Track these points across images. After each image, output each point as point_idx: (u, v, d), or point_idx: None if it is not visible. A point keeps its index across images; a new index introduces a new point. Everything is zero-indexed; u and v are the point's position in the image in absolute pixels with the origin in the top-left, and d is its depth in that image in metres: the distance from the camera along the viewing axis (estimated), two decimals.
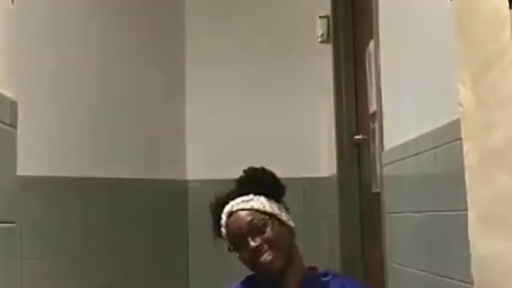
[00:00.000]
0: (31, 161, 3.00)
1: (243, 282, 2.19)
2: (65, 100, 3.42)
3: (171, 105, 4.32)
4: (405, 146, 2.27)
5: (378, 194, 2.86)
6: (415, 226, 2.18)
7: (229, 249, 2.15)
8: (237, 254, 2.13)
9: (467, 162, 1.32)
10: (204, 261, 4.24)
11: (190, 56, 4.41)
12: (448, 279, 1.79)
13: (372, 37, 2.94)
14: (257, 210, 2.11)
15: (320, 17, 4.16)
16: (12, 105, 1.69)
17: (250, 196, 2.15)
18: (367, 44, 3.31)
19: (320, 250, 4.18)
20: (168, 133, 4.26)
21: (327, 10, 4.14)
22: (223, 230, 2.17)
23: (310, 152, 4.28)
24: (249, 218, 2.09)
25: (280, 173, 4.39)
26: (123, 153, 3.81)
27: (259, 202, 2.13)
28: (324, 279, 2.14)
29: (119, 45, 3.88)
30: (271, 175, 2.21)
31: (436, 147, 1.89)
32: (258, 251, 2.05)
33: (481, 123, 1.25)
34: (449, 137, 1.67)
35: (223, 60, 4.40)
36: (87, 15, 3.64)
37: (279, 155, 4.29)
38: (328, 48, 4.13)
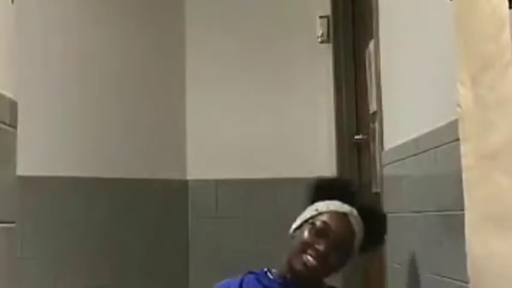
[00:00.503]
0: (31, 161, 3.00)
1: (242, 280, 2.12)
2: (65, 100, 3.42)
3: (171, 105, 4.32)
4: (405, 146, 2.27)
5: (378, 194, 2.86)
6: (415, 226, 2.18)
7: (303, 223, 2.04)
8: (297, 231, 2.04)
9: (465, 163, 1.32)
10: (204, 261, 4.24)
11: (190, 57, 4.41)
12: (448, 279, 1.79)
13: (372, 37, 2.94)
14: (354, 233, 2.03)
15: (320, 17, 4.16)
16: (12, 105, 1.69)
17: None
18: (367, 44, 3.31)
19: None
20: (168, 133, 4.26)
21: (327, 10, 4.14)
22: (322, 206, 2.06)
23: (310, 152, 4.28)
24: (351, 238, 2.01)
25: (280, 173, 4.41)
26: (123, 153, 3.81)
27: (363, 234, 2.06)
28: None
29: (119, 46, 3.87)
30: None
31: (436, 147, 1.89)
32: (319, 252, 1.95)
33: (480, 123, 1.25)
34: (449, 137, 1.67)
35: (223, 60, 4.40)
36: (87, 15, 3.64)
37: (279, 155, 4.29)
38: (328, 48, 4.13)
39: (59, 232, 3.27)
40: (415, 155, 2.13)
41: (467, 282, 1.33)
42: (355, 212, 2.06)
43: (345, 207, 2.06)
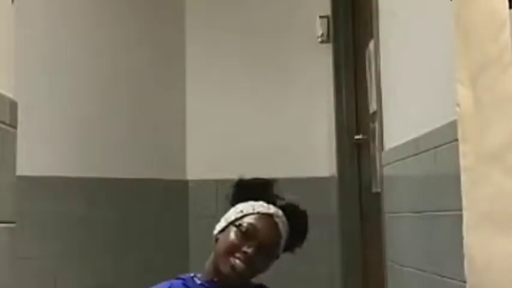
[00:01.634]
0: (31, 161, 3.00)
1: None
2: (65, 100, 3.42)
3: (172, 106, 4.32)
4: (405, 146, 2.27)
5: (378, 194, 2.86)
6: (415, 226, 2.18)
7: (227, 225, 2.02)
8: (221, 232, 2.02)
9: (463, 163, 1.32)
10: (204, 261, 4.23)
11: (190, 57, 4.41)
12: (448, 279, 1.79)
13: (372, 37, 2.94)
14: (281, 236, 2.02)
15: (320, 17, 4.16)
16: (12, 105, 1.69)
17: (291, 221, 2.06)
18: (367, 44, 3.32)
19: (320, 250, 4.17)
20: (168, 133, 4.26)
21: (327, 10, 4.14)
22: (248, 208, 2.03)
23: (310, 152, 4.28)
24: (277, 240, 1.99)
25: (280, 173, 4.40)
26: (124, 154, 3.81)
27: (288, 233, 2.05)
28: None
29: (119, 46, 3.87)
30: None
31: (436, 147, 1.89)
32: (246, 255, 1.93)
33: (479, 123, 1.25)
34: (449, 137, 1.67)
35: (224, 60, 4.40)
36: (87, 14, 3.64)
37: (279, 155, 4.29)
38: (328, 48, 4.13)
39: (59, 232, 3.27)
40: (415, 155, 2.13)
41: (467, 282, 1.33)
42: (280, 212, 2.04)
43: (271, 209, 2.04)
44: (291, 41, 4.34)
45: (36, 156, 3.12)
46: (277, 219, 2.02)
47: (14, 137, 1.70)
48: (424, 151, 2.02)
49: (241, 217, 2.02)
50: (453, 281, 1.72)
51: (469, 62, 1.29)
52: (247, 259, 1.93)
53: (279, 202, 2.10)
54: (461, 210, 1.36)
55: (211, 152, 4.35)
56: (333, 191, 4.02)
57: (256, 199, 2.08)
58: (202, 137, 4.36)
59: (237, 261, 1.93)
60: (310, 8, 4.24)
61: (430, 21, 2.01)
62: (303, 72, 4.33)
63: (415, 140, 2.13)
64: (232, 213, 2.06)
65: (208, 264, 2.06)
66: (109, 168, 3.67)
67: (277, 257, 2.03)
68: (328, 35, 4.14)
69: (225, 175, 4.42)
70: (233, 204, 2.10)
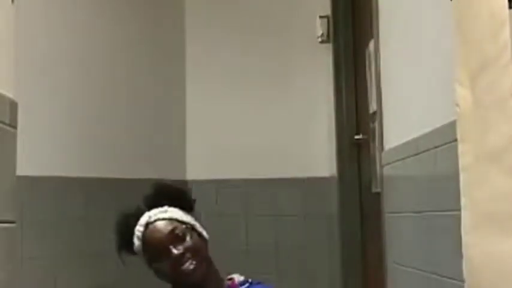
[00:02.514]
0: (31, 161, 3.00)
1: None
2: (65, 100, 3.42)
3: (171, 106, 4.32)
4: (405, 146, 2.27)
5: (378, 194, 2.86)
6: (415, 226, 2.18)
7: (149, 262, 2.11)
8: (154, 267, 2.10)
9: (462, 163, 1.31)
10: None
11: (190, 57, 4.41)
12: (447, 279, 1.79)
13: (372, 37, 2.94)
14: (176, 220, 2.11)
15: (320, 17, 4.16)
16: (12, 105, 1.69)
17: (165, 208, 2.15)
18: (367, 44, 3.32)
19: (320, 250, 4.18)
20: (168, 133, 4.26)
21: (327, 10, 4.14)
22: (137, 242, 2.14)
23: (310, 152, 4.28)
24: (170, 227, 2.08)
25: (280, 173, 4.41)
26: (123, 153, 3.81)
27: (177, 212, 2.13)
28: (243, 287, 2.13)
29: (119, 46, 3.87)
30: (181, 189, 2.26)
31: (436, 147, 1.89)
32: (180, 259, 2.03)
33: (478, 123, 1.25)
34: (449, 137, 1.67)
35: (223, 60, 4.40)
36: (87, 15, 3.64)
37: (279, 155, 4.29)
38: (328, 48, 4.13)
39: (59, 232, 3.27)
40: (415, 155, 2.13)
41: None
42: (165, 208, 2.14)
43: (152, 217, 2.14)
44: (291, 41, 4.34)
45: (36, 156, 3.12)
46: (165, 216, 2.12)
47: (14, 137, 1.70)
48: (424, 151, 2.02)
49: (146, 245, 2.12)
50: (453, 281, 1.72)
51: (469, 61, 1.29)
52: (186, 256, 2.04)
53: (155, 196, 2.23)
54: (460, 210, 1.36)
55: (211, 152, 4.35)
56: (333, 191, 4.03)
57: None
58: (202, 137, 4.36)
59: (184, 267, 2.03)
60: (310, 8, 4.25)
61: (430, 21, 2.01)
62: (303, 72, 4.33)
63: (415, 140, 2.13)
64: (138, 248, 2.17)
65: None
66: (109, 168, 3.67)
67: (200, 229, 2.15)
68: (328, 35, 4.14)
69: (225, 175, 4.45)
70: (148, 207, 2.22)
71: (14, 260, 1.70)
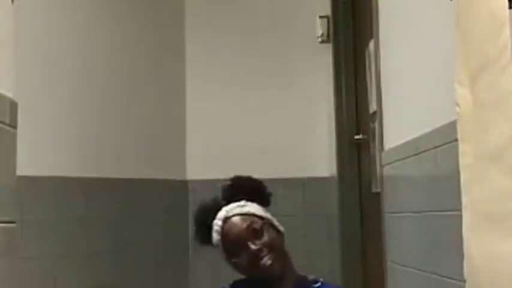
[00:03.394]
0: (31, 161, 3.00)
1: (232, 286, 2.21)
2: (65, 100, 3.42)
3: (171, 106, 4.32)
4: (405, 146, 2.27)
5: (378, 194, 2.86)
6: (415, 226, 2.18)
7: (227, 257, 2.15)
8: (232, 261, 2.13)
9: (463, 162, 1.31)
10: (204, 261, 4.24)
11: (190, 57, 4.41)
12: (448, 279, 1.79)
13: (372, 37, 2.94)
14: (253, 215, 2.13)
15: (320, 17, 4.16)
16: (12, 105, 1.69)
17: (243, 202, 2.17)
18: (367, 44, 3.32)
19: (320, 250, 4.18)
20: (168, 133, 4.26)
21: (327, 10, 4.14)
22: (216, 236, 2.17)
23: (310, 152, 4.28)
24: (248, 222, 2.10)
25: (280, 173, 4.41)
26: (123, 153, 3.81)
27: (254, 207, 2.16)
28: (315, 286, 2.16)
29: (119, 46, 3.87)
30: (259, 183, 2.25)
31: (436, 147, 1.89)
32: (258, 254, 2.06)
33: (478, 123, 1.25)
34: (449, 137, 1.67)
35: (223, 60, 4.40)
36: (87, 15, 3.64)
37: (279, 155, 4.29)
38: (328, 48, 4.13)
39: (59, 232, 3.27)
40: (415, 155, 2.13)
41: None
42: (242, 203, 2.16)
43: (230, 211, 2.15)
44: (291, 41, 4.34)
45: (36, 156, 3.11)
46: (242, 211, 2.13)
47: (14, 137, 1.70)
48: (424, 151, 2.02)
49: (223, 240, 2.15)
50: (453, 281, 1.72)
51: (469, 61, 1.29)
52: (260, 253, 2.05)
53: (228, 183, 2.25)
54: (461, 210, 1.36)
55: (211, 152, 4.35)
56: (333, 191, 4.02)
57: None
58: (202, 137, 4.36)
59: (262, 261, 2.06)
60: (310, 8, 4.25)
61: (430, 21, 2.01)
62: (303, 72, 4.33)
63: (415, 140, 2.13)
64: (217, 242, 2.19)
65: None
66: (109, 168, 3.67)
67: (276, 224, 2.15)
68: (328, 35, 4.14)
69: (225, 175, 4.43)
70: (226, 200, 2.22)
71: (14, 260, 1.70)
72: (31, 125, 2.98)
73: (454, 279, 1.72)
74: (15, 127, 1.70)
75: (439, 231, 1.91)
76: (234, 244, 2.10)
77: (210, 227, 2.18)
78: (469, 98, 1.28)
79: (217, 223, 2.16)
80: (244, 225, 2.10)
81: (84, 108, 3.54)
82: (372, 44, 3.00)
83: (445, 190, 1.79)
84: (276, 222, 2.16)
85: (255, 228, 2.09)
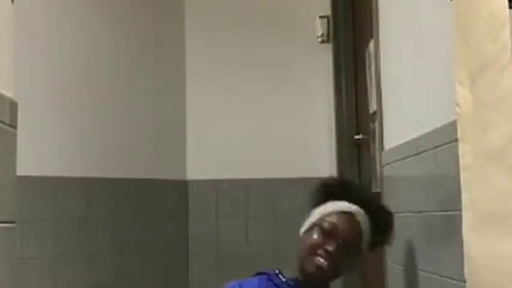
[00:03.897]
0: (31, 161, 3.00)
1: (260, 280, 2.11)
2: (65, 100, 3.42)
3: (171, 105, 4.32)
4: (405, 146, 2.27)
5: (378, 194, 2.86)
6: (415, 226, 2.18)
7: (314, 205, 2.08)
8: (305, 230, 2.07)
9: (463, 162, 1.31)
10: (204, 261, 4.24)
11: (190, 57, 4.41)
12: (447, 279, 1.79)
13: (372, 37, 2.94)
14: (363, 236, 2.06)
15: (320, 17, 4.16)
16: (12, 105, 1.69)
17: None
18: (367, 44, 3.32)
19: None
20: (168, 133, 4.26)
21: (327, 10, 4.14)
22: (329, 207, 2.07)
23: (310, 152, 4.28)
24: (359, 237, 2.04)
25: (280, 173, 4.41)
26: (123, 153, 3.81)
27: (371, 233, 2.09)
28: None
29: (119, 46, 3.87)
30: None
31: (436, 147, 1.89)
32: (328, 252, 1.98)
33: (478, 123, 1.25)
34: (449, 137, 1.67)
35: (223, 60, 4.40)
36: (88, 14, 3.64)
37: (279, 155, 4.29)
38: (328, 48, 4.13)
39: (59, 232, 3.27)
40: (415, 155, 2.13)
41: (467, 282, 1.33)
42: (361, 211, 2.07)
43: (352, 207, 2.07)
44: (291, 41, 4.34)
45: (36, 156, 3.12)
46: (358, 218, 2.06)
47: (14, 137, 1.69)
48: (424, 151, 2.02)
49: (323, 217, 2.06)
50: (453, 281, 1.72)
51: (469, 61, 1.29)
52: (330, 256, 1.97)
53: (363, 201, 2.11)
54: (461, 210, 1.36)
55: (211, 152, 4.35)
56: None
57: (338, 199, 2.11)
58: (202, 137, 4.36)
59: (321, 259, 1.98)
60: (310, 8, 4.25)
61: (429, 21, 2.01)
62: (303, 72, 4.33)
63: (415, 140, 2.13)
64: (315, 214, 2.11)
65: (294, 263, 2.08)
66: (109, 168, 3.67)
67: (360, 255, 2.08)
68: (328, 35, 4.14)
69: (225, 175, 4.44)
70: (315, 206, 2.15)
71: (14, 260, 1.70)
72: (31, 125, 2.98)
73: (454, 279, 1.72)
74: (15, 127, 1.70)
75: (439, 231, 1.91)
76: (331, 229, 2.01)
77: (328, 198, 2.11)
78: (469, 98, 1.28)
79: (342, 204, 2.07)
80: (355, 232, 2.03)
81: (84, 108, 3.54)
82: (372, 44, 3.00)
83: (445, 190, 1.79)
84: (363, 246, 2.07)
85: (355, 242, 2.02)
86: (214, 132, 4.38)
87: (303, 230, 2.11)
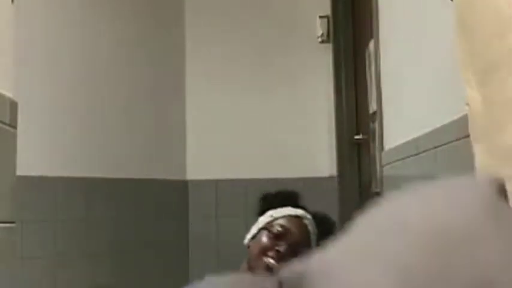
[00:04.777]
0: (31, 161, 3.00)
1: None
2: (65, 100, 3.42)
3: (171, 106, 4.32)
4: (405, 146, 2.27)
5: (378, 194, 2.86)
6: None
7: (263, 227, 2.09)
8: (251, 236, 2.09)
9: (476, 163, 1.30)
10: (204, 261, 4.24)
11: (190, 57, 4.41)
12: None
13: (372, 37, 2.94)
14: (312, 237, 2.11)
15: (320, 17, 4.16)
16: (12, 105, 1.69)
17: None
18: (367, 44, 3.32)
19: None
20: (168, 133, 4.26)
21: (327, 10, 4.14)
22: (277, 213, 2.12)
23: (310, 152, 4.28)
24: (307, 238, 2.08)
25: (280, 173, 4.41)
26: (123, 153, 3.81)
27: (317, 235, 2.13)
28: None
29: (119, 46, 3.87)
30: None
31: (436, 147, 1.89)
32: (279, 253, 2.01)
33: (490, 123, 1.24)
34: (450, 136, 1.67)
35: (223, 60, 4.40)
36: (87, 14, 3.64)
37: (279, 155, 4.29)
38: (328, 48, 4.13)
39: (59, 232, 3.27)
40: (415, 155, 2.13)
41: None
42: (308, 215, 2.14)
43: (298, 211, 2.14)
44: (291, 41, 4.34)
45: (36, 156, 3.12)
46: (305, 221, 2.11)
47: (14, 137, 1.70)
48: (424, 151, 2.02)
49: (272, 221, 2.11)
50: None
51: (476, 61, 1.28)
52: (281, 258, 1.99)
53: (306, 208, 2.20)
54: None
55: (211, 152, 4.35)
56: (333, 191, 4.02)
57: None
58: (202, 137, 4.36)
59: (271, 260, 2.00)
60: (310, 8, 4.25)
61: (430, 21, 2.01)
62: (303, 72, 4.33)
63: (415, 140, 2.13)
64: (263, 219, 2.15)
65: (242, 268, 2.12)
66: (109, 168, 3.67)
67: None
68: (328, 35, 4.14)
69: (225, 175, 4.45)
70: (259, 215, 2.20)
71: (14, 260, 1.70)
72: (31, 125, 2.98)
73: None
74: (15, 127, 1.70)
75: None
76: (281, 232, 2.05)
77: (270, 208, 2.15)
78: (478, 98, 1.27)
79: (288, 211, 2.13)
80: (303, 236, 2.08)
81: (84, 108, 3.54)
82: (372, 44, 3.00)
83: None
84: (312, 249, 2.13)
85: (304, 243, 2.06)
86: (214, 132, 4.38)
87: (249, 236, 2.14)
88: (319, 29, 4.16)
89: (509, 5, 1.17)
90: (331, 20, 4.11)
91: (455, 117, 1.49)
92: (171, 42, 4.37)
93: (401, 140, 2.34)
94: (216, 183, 4.31)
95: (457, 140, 1.43)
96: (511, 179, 1.17)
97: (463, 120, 1.35)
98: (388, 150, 2.59)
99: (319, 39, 4.17)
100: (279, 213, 2.12)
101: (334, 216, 3.98)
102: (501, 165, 1.21)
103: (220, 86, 4.40)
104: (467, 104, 1.31)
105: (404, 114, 2.38)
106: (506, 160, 1.20)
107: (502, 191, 0.90)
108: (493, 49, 1.21)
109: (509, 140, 1.18)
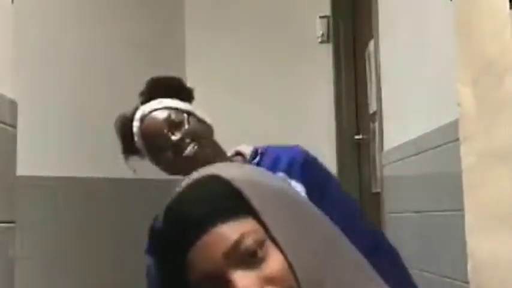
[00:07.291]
0: (31, 161, 3.00)
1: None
2: (65, 100, 3.42)
3: None
4: (405, 146, 2.27)
5: (378, 194, 2.86)
6: (415, 226, 2.18)
7: (153, 158, 2.03)
8: (158, 161, 2.02)
9: (465, 163, 1.31)
10: None
11: (190, 56, 4.41)
12: (448, 279, 1.79)
13: (372, 37, 2.94)
14: (172, 108, 2.01)
15: (320, 17, 4.16)
16: (12, 105, 1.69)
17: (160, 99, 2.06)
18: (367, 44, 3.32)
19: None
20: None
21: (327, 10, 4.14)
22: (137, 139, 2.05)
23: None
24: (166, 114, 1.98)
25: None
26: None
27: (172, 102, 2.05)
28: (254, 161, 2.03)
29: (118, 45, 3.87)
30: (174, 78, 2.16)
31: (436, 147, 1.89)
32: (180, 145, 1.92)
33: (481, 123, 1.24)
34: (449, 137, 1.67)
35: (223, 60, 4.40)
36: (87, 14, 3.64)
37: None
38: (328, 48, 4.13)
39: (58, 232, 3.27)
40: (415, 155, 2.13)
41: (467, 282, 1.33)
42: (159, 100, 2.06)
43: (147, 109, 2.06)
44: (291, 41, 4.34)
45: (36, 156, 3.11)
46: (159, 106, 2.03)
47: (14, 137, 1.70)
48: (424, 151, 2.02)
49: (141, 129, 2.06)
50: (454, 281, 1.72)
51: (471, 61, 1.28)
52: (182, 143, 1.94)
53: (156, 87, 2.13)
54: (461, 210, 1.36)
55: None
56: None
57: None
58: None
59: (186, 152, 1.94)
60: (310, 8, 4.24)
61: (429, 21, 2.01)
62: (303, 72, 4.33)
63: (415, 140, 2.13)
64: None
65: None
66: (109, 168, 3.67)
67: (192, 114, 2.07)
68: (328, 35, 4.14)
69: None
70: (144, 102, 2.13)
71: (13, 260, 1.70)
72: (31, 125, 2.97)
73: (454, 279, 1.72)
74: (15, 127, 1.70)
75: (439, 231, 1.91)
76: (153, 139, 1.96)
77: (132, 134, 2.07)
78: (471, 99, 1.27)
79: (135, 125, 2.06)
80: (161, 117, 1.97)
81: (84, 108, 3.54)
82: (372, 44, 3.00)
83: (445, 190, 1.79)
84: (200, 114, 2.06)
85: (173, 119, 1.97)
86: (214, 132, 4.37)
87: (156, 159, 2.07)
88: (319, 29, 4.16)
89: (506, 7, 1.17)
90: (331, 20, 4.11)
91: (455, 118, 1.49)
92: (171, 42, 4.37)
93: (401, 140, 2.34)
94: None
95: (456, 140, 1.43)
96: (503, 177, 1.17)
97: None
98: (388, 150, 2.59)
99: (319, 39, 4.17)
100: (137, 125, 2.08)
101: None
102: (491, 166, 1.22)
103: (220, 86, 4.40)
104: (459, 104, 1.31)
105: (404, 114, 2.38)
106: (496, 161, 1.20)
107: None
108: (488, 49, 1.22)
109: (500, 140, 1.18)
